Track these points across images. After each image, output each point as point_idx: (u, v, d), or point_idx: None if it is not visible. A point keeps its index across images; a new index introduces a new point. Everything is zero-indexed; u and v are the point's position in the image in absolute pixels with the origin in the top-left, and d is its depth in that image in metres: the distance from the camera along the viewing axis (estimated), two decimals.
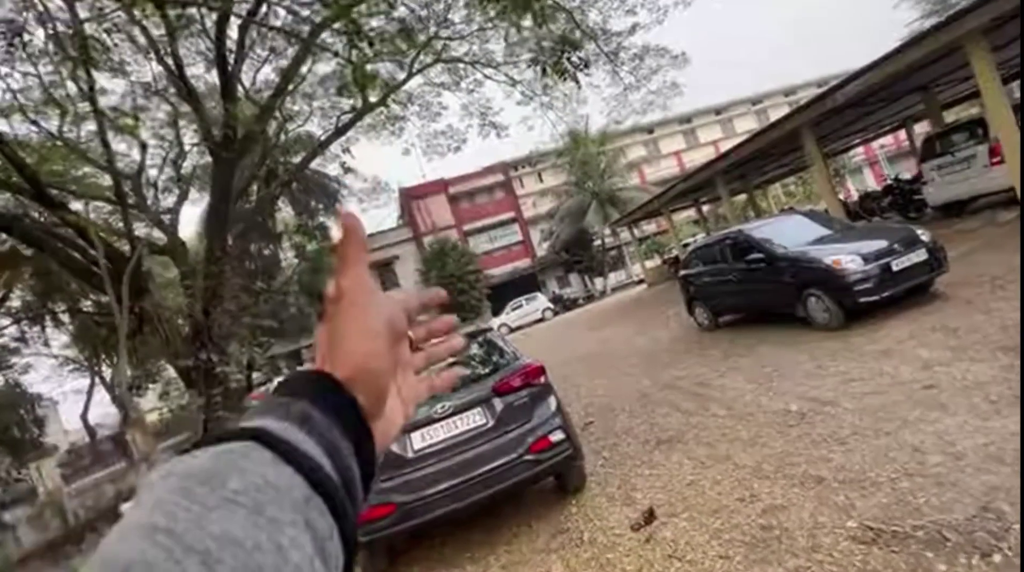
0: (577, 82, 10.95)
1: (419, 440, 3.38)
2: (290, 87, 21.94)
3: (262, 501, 0.27)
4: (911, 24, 22.26)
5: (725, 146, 20.14)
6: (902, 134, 35.70)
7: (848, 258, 5.73)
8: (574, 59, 10.16)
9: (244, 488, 0.27)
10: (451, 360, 0.53)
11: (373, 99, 23.51)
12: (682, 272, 9.08)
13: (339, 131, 21.76)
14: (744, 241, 7.14)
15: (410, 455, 3.34)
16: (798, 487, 2.98)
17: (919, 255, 5.60)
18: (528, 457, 3.41)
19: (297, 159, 27.83)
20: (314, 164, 28.08)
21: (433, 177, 35.03)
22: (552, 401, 3.72)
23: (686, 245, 18.70)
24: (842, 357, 4.99)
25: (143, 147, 16.57)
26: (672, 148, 41.17)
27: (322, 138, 26.46)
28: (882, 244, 5.79)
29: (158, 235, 16.60)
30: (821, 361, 5.12)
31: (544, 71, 10.84)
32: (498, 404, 3.51)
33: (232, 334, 14.65)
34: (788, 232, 6.96)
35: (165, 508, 0.25)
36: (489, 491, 3.30)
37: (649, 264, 24.77)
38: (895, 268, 5.53)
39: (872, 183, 34.36)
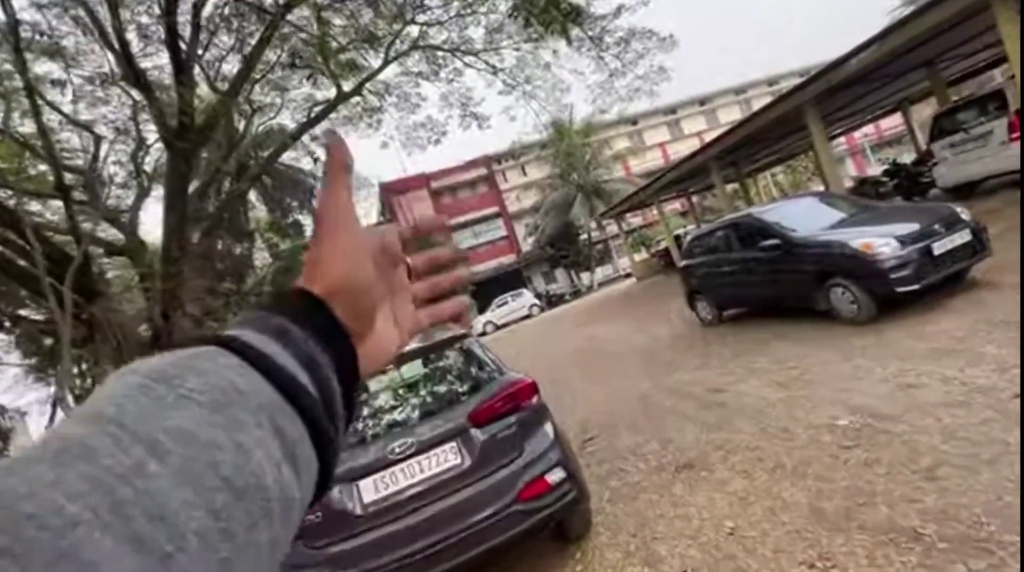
0: (567, 36, 10.07)
1: (371, 490, 2.50)
2: (257, 74, 20.76)
3: (223, 402, 0.26)
4: (894, 12, 21.88)
5: (710, 137, 19.60)
6: (884, 123, 35.68)
7: (881, 241, 4.99)
8: (563, 5, 9.24)
9: (204, 388, 0.26)
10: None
11: (347, 88, 22.42)
12: (682, 262, 8.31)
13: (311, 122, 20.63)
14: (755, 226, 6.38)
15: (359, 511, 2.47)
16: (890, 547, 2.18)
17: (962, 236, 4.88)
18: (519, 507, 2.56)
19: (270, 154, 26.54)
20: (289, 159, 26.95)
21: (415, 172, 33.97)
22: (548, 429, 2.88)
23: (677, 237, 18.04)
24: (885, 357, 4.24)
25: (97, 140, 15.33)
26: (657, 139, 40.63)
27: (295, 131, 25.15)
28: (917, 225, 5.05)
29: (119, 236, 15.41)
30: (858, 361, 4.37)
31: (528, 21, 9.89)
32: (478, 437, 2.65)
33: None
34: (805, 215, 6.21)
35: (117, 401, 0.25)
36: (466, 556, 2.45)
37: (637, 257, 24.11)
38: (936, 252, 4.80)
39: (852, 173, 34.21)
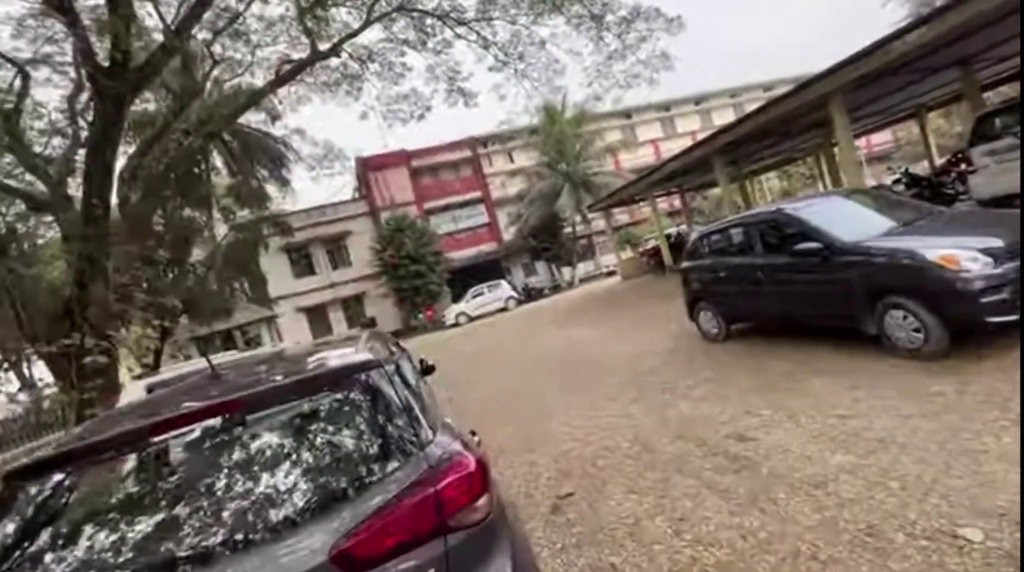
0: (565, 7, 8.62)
1: None
2: (221, 21, 18.62)
3: None
4: (897, 24, 20.99)
5: (703, 137, 18.36)
6: (875, 138, 35.20)
7: (966, 254, 3.77)
8: None
9: None
10: None
11: (323, 47, 20.41)
12: (684, 263, 7.04)
13: (280, 80, 18.72)
14: (787, 226, 5.11)
15: None
16: None
17: None
18: None
19: (244, 119, 24.40)
20: (260, 124, 24.85)
21: (396, 149, 32.06)
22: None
23: (669, 236, 16.89)
24: (992, 417, 3.02)
25: (23, 76, 13.34)
26: (649, 135, 39.46)
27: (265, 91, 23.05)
28: (1001, 238, 3.85)
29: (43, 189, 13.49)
30: (948, 419, 3.14)
31: None
32: None
33: (118, 314, 11.78)
34: (851, 216, 4.98)
35: None
36: None
37: (624, 255, 22.95)
38: None
39: (844, 186, 33.62)
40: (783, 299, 5.30)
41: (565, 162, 28.52)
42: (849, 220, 4.88)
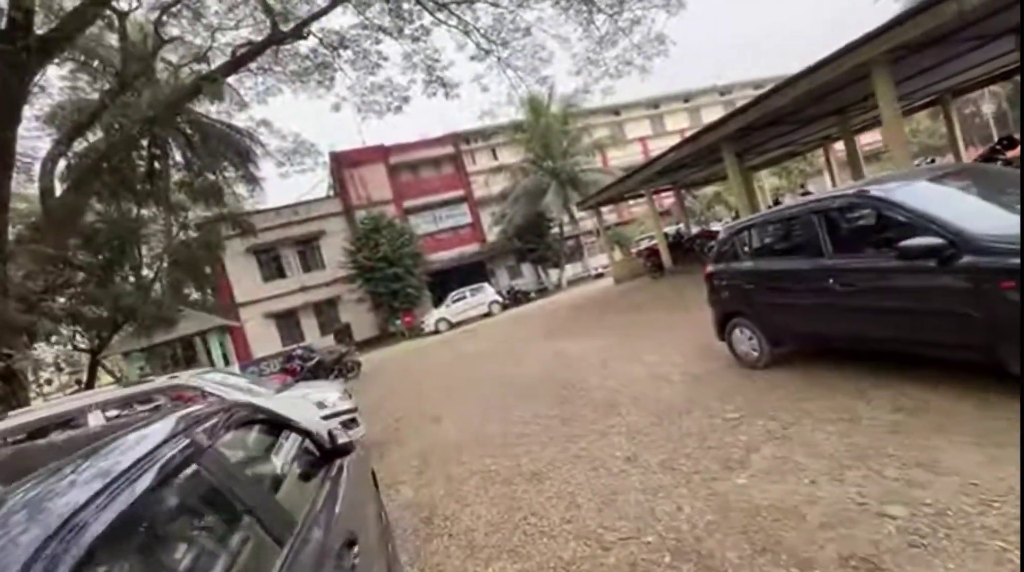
0: None
1: None
2: None
3: None
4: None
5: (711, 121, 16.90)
6: (863, 138, 34.49)
7: None
8: None
9: None
10: None
11: (286, 28, 18.70)
12: (712, 267, 5.52)
13: (236, 62, 16.92)
14: (879, 214, 3.62)
15: None
16: None
17: None
18: None
19: (204, 108, 22.46)
20: (223, 115, 22.86)
21: (373, 144, 30.26)
22: None
23: (667, 234, 15.49)
24: None
25: None
26: (638, 133, 38.26)
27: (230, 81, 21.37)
28: None
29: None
30: None
31: None
32: None
33: (20, 327, 9.89)
34: (967, 203, 3.52)
35: None
36: None
37: (616, 256, 21.53)
38: None
39: (830, 186, 32.84)
40: (869, 317, 3.79)
41: (551, 159, 27.06)
42: (969, 208, 3.42)
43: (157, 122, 14.16)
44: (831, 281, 3.95)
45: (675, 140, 32.53)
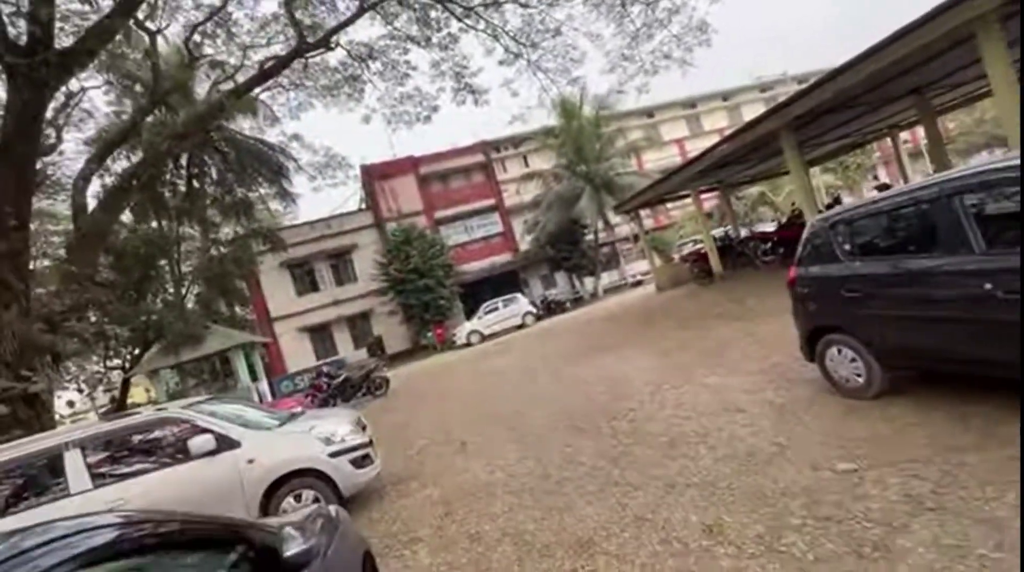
0: None
1: None
2: (200, 14, 17.01)
3: None
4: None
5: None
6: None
7: None
8: None
9: None
10: None
11: (311, 40, 18.55)
12: (799, 271, 4.46)
13: (264, 74, 16.83)
14: None
15: None
16: None
17: None
18: None
19: (238, 126, 22.72)
20: (258, 133, 23.03)
21: (403, 155, 30.10)
22: None
23: (713, 237, 14.26)
24: None
25: None
26: (674, 135, 36.84)
27: (266, 102, 21.46)
28: None
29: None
30: None
31: None
32: None
33: (43, 348, 9.67)
34: None
35: None
36: None
37: (657, 262, 20.28)
38: None
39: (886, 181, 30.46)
40: None
41: (585, 163, 26.08)
42: None
43: (186, 137, 14.07)
44: (988, 286, 2.87)
45: (714, 139, 31.14)
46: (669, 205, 28.58)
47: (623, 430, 4.99)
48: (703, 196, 35.44)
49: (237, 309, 19.31)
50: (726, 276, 12.76)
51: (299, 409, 7.54)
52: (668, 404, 5.36)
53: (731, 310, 9.13)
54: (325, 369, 13.90)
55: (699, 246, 17.09)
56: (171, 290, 14.15)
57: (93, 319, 12.15)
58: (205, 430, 4.45)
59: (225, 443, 4.47)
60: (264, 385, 15.42)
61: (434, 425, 7.77)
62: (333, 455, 4.68)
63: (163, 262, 14.61)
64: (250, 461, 4.47)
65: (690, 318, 9.90)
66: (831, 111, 9.28)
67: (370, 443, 5.13)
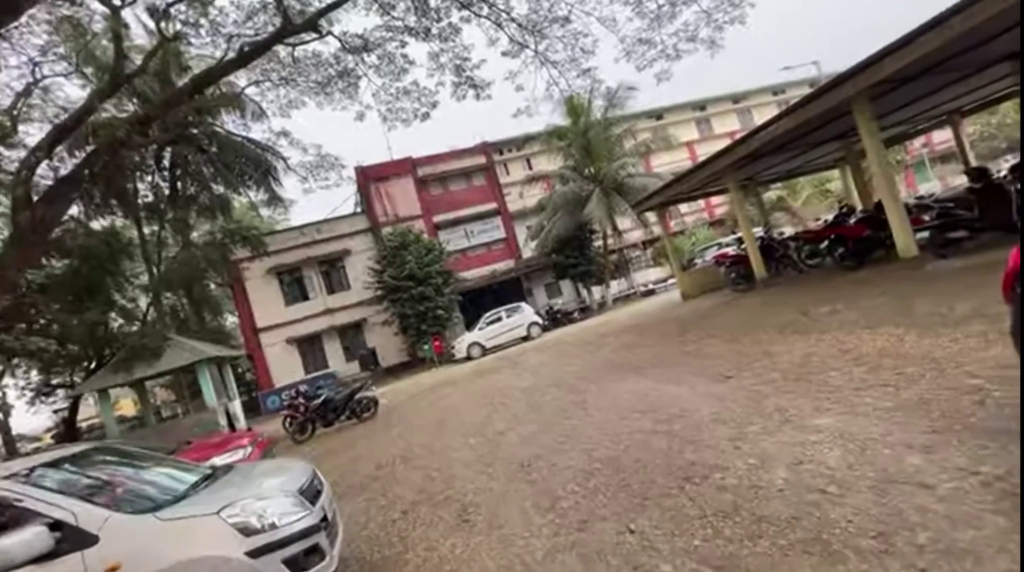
0: None
1: None
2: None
3: None
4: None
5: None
6: (935, 135, 30.36)
7: None
8: None
9: None
10: None
11: (299, 21, 16.88)
12: None
13: (243, 58, 15.22)
14: None
15: None
16: None
17: None
18: None
19: (218, 119, 21.20)
20: (243, 131, 21.41)
21: (400, 157, 28.51)
22: None
23: (762, 237, 12.46)
24: None
25: None
26: (684, 138, 35.30)
27: (245, 91, 19.90)
28: None
29: None
30: None
31: None
32: None
33: None
34: None
35: None
36: None
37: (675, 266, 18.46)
38: None
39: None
40: None
41: (593, 164, 24.49)
42: None
43: (149, 123, 12.39)
44: None
45: (724, 142, 29.53)
46: (683, 208, 27.01)
47: (714, 506, 3.20)
48: (713, 201, 33.85)
49: (215, 319, 17.53)
50: (769, 282, 11.02)
51: (242, 451, 5.73)
52: (776, 461, 3.56)
53: (796, 321, 7.37)
54: (303, 388, 12.10)
55: (725, 249, 15.38)
56: (131, 297, 12.41)
57: (30, 327, 10.38)
58: (37, 515, 2.67)
59: (72, 539, 2.69)
60: (237, 404, 13.61)
61: (429, 470, 5.97)
62: (255, 553, 2.89)
63: (118, 265, 12.81)
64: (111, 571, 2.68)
65: (740, 330, 8.12)
66: (913, 79, 7.60)
67: (323, 523, 3.33)
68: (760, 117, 35.71)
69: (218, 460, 5.47)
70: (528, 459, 5.13)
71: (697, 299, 13.35)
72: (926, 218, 7.36)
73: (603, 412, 6.14)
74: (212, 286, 17.31)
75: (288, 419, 11.38)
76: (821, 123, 8.71)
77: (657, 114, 34.57)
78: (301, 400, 11.02)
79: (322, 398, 11.04)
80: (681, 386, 6.21)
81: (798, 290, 9.76)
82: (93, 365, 11.07)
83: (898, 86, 7.66)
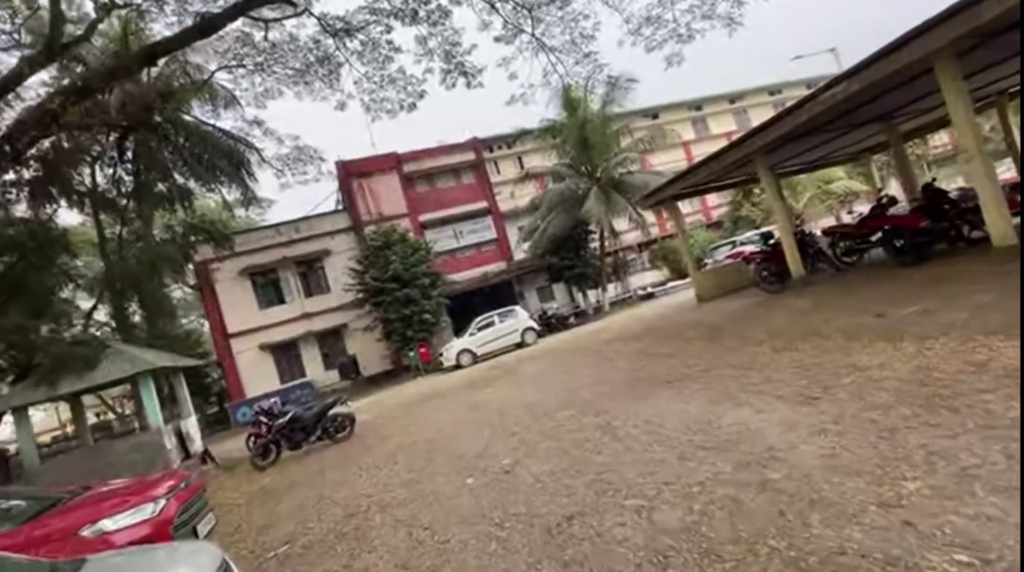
0: None
1: None
2: None
3: None
4: None
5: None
6: (943, 136, 29.69)
7: None
8: None
9: None
10: None
11: None
12: None
13: (204, 25, 13.62)
14: None
15: None
16: None
17: None
18: None
19: (186, 106, 19.67)
20: (217, 121, 19.81)
21: (385, 151, 26.86)
22: None
23: (763, 235, 11.18)
24: None
25: None
26: (679, 138, 34.24)
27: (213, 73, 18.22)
28: None
29: None
30: None
31: None
32: None
33: None
34: None
35: None
36: None
37: (678, 268, 17.17)
38: None
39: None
40: None
41: (590, 160, 23.15)
42: None
43: (87, 95, 10.66)
44: None
45: (721, 143, 28.36)
46: (682, 208, 25.74)
47: None
48: (710, 203, 32.70)
49: (171, 324, 15.68)
50: (807, 280, 9.67)
51: (150, 507, 4.10)
52: (989, 549, 2.09)
53: (871, 325, 5.98)
54: (268, 403, 10.40)
55: (740, 247, 14.09)
56: (58, 297, 10.63)
57: None
58: None
59: None
60: (192, 422, 11.80)
61: (415, 526, 4.40)
62: None
63: (64, 261, 10.99)
64: None
65: (793, 336, 6.70)
66: (1007, 31, 6.30)
67: None
68: (756, 118, 34.86)
69: (108, 523, 3.86)
70: (557, 520, 3.59)
71: (716, 301, 11.97)
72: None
73: (644, 444, 4.64)
74: (175, 287, 15.47)
75: (252, 437, 9.72)
76: (879, 92, 7.39)
77: (653, 113, 33.49)
78: (264, 420, 9.34)
79: (288, 416, 9.37)
80: (744, 409, 4.74)
81: (848, 289, 8.43)
82: (12, 379, 9.32)
83: (983, 42, 6.37)
